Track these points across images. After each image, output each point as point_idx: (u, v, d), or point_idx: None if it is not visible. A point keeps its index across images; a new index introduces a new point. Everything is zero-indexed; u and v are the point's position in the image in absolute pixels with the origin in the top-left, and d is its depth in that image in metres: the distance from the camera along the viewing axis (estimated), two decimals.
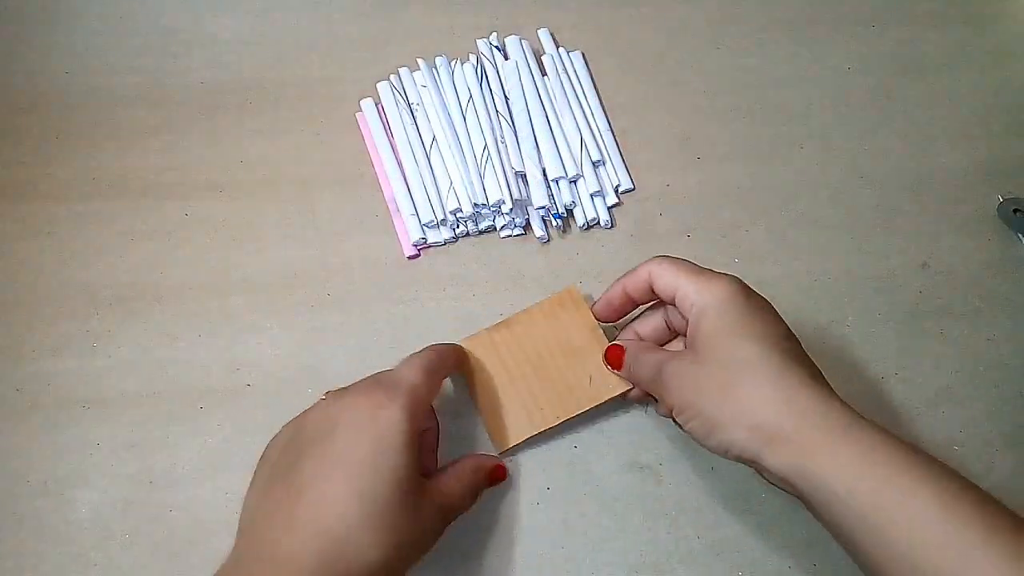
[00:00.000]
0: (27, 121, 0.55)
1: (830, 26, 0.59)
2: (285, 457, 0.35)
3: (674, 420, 0.38)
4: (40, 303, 0.49)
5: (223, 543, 0.44)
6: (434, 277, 0.51)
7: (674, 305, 0.40)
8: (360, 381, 0.38)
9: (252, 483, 0.36)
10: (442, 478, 0.39)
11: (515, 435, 0.44)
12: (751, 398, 0.34)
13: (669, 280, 0.39)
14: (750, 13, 0.60)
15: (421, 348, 0.42)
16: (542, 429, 0.44)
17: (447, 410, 0.47)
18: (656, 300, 0.43)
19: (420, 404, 0.36)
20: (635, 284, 0.41)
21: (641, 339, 0.44)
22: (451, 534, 0.38)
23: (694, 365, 0.37)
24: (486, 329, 0.47)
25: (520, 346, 0.46)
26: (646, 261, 0.41)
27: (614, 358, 0.43)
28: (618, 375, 0.44)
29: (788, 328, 0.38)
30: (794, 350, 0.36)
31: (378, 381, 0.37)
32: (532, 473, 0.45)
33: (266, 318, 0.49)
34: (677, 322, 0.42)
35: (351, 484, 0.32)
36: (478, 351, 0.46)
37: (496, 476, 0.44)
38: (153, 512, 0.44)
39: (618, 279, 0.43)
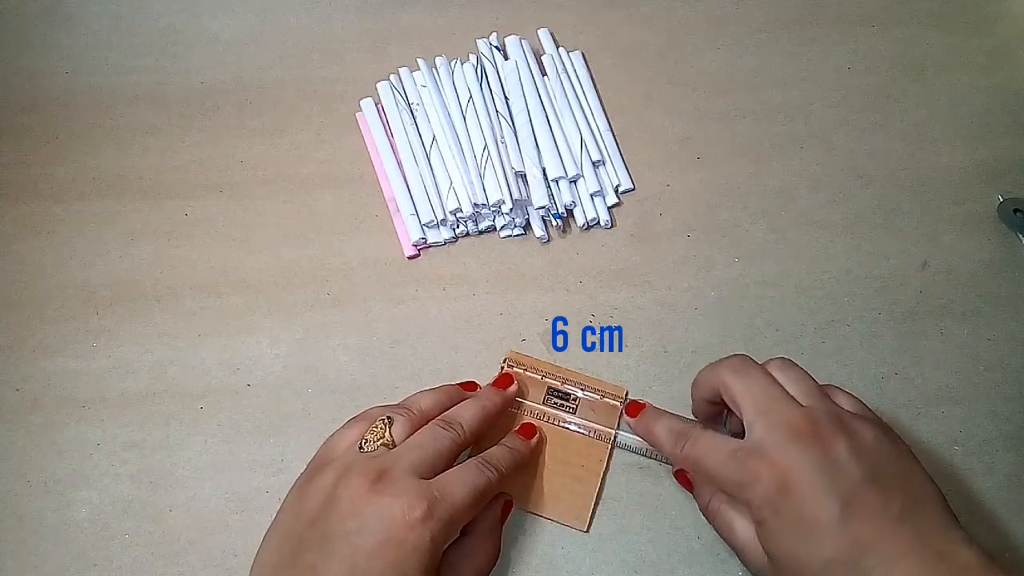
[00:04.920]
0: (27, 121, 0.55)
1: (830, 26, 0.59)
2: (311, 533, 0.34)
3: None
4: (40, 303, 0.49)
5: (223, 543, 0.44)
6: (434, 277, 0.51)
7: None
8: (406, 471, 0.36)
9: (272, 534, 0.36)
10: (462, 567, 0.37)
11: None
12: None
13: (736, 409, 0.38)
14: (750, 13, 0.60)
15: (495, 444, 0.41)
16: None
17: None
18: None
19: (453, 530, 0.35)
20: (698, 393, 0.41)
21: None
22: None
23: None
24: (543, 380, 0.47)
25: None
26: (711, 371, 0.39)
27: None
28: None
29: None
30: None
31: (424, 487, 0.35)
32: None
33: (266, 318, 0.49)
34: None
35: None
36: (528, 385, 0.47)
37: (507, 512, 0.42)
38: (153, 512, 0.44)
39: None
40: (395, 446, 0.37)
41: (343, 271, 0.51)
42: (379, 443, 0.37)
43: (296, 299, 0.50)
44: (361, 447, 0.37)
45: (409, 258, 0.51)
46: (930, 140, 0.56)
